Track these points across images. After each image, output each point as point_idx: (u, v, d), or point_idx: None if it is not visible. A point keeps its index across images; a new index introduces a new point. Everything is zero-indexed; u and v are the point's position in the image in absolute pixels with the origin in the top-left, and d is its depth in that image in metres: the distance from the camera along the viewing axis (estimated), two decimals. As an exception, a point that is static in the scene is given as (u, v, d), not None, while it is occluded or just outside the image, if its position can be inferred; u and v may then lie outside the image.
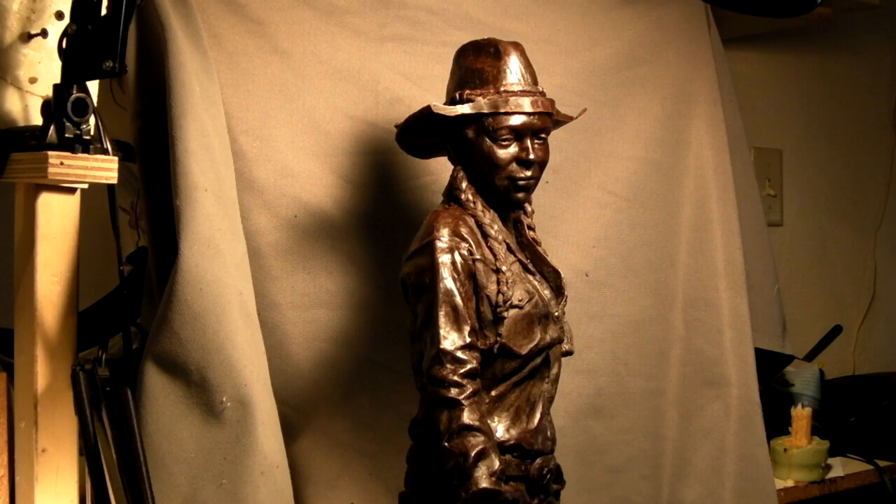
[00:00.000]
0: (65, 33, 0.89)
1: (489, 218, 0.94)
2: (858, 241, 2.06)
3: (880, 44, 2.10)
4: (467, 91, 0.94)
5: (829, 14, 1.74)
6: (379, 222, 1.11)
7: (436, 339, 0.87)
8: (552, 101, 0.96)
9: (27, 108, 0.95)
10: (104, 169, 0.89)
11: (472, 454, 0.84)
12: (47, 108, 0.88)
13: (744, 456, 1.43)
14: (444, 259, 0.89)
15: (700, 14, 1.53)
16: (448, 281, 0.88)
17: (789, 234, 1.97)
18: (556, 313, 0.97)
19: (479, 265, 0.90)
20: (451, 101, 0.95)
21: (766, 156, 1.94)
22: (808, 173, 2.00)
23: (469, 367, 0.86)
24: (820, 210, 2.02)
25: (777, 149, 1.96)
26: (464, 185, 0.95)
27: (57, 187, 0.90)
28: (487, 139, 0.92)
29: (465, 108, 0.92)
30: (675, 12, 1.49)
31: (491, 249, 0.92)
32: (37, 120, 0.92)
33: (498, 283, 0.91)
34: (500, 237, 0.94)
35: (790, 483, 1.59)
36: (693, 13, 1.52)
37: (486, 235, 0.93)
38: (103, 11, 0.87)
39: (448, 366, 0.86)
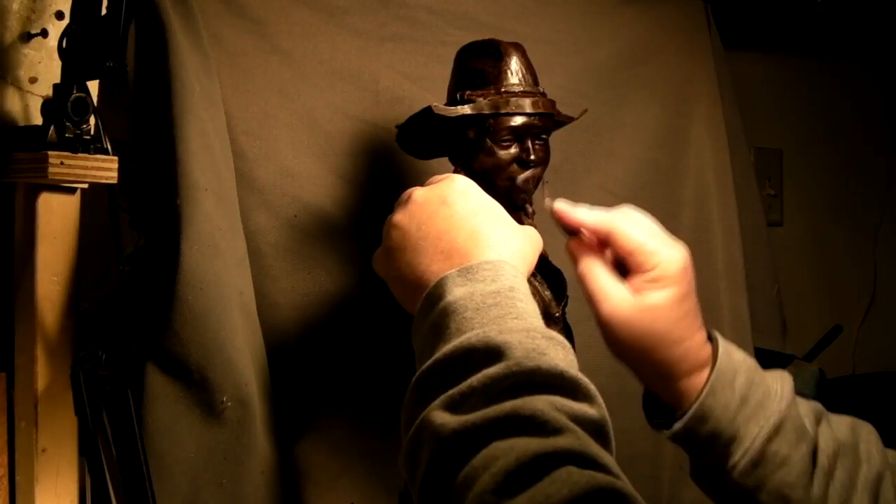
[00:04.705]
0: (65, 33, 0.89)
1: (490, 218, 0.94)
2: (858, 241, 2.06)
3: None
4: (468, 91, 0.94)
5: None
6: (380, 222, 1.11)
7: (436, 338, 0.87)
8: (553, 102, 0.96)
9: (27, 108, 0.95)
10: (104, 169, 0.89)
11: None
12: (47, 108, 0.88)
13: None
14: (444, 259, 0.88)
15: (700, 14, 1.53)
16: (449, 281, 0.88)
17: (789, 234, 1.97)
18: (557, 314, 0.97)
19: (480, 265, 0.90)
20: (452, 101, 0.95)
21: (766, 156, 1.93)
22: (808, 173, 2.00)
23: (469, 367, 0.86)
24: (820, 210, 2.02)
25: (777, 149, 1.96)
26: (464, 185, 0.95)
27: (57, 187, 0.90)
28: (488, 140, 0.92)
29: (465, 109, 0.92)
30: (675, 13, 1.49)
31: (491, 249, 0.92)
32: (37, 120, 0.92)
33: (498, 283, 0.91)
34: (501, 237, 0.93)
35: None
36: (693, 13, 1.52)
37: (487, 236, 0.93)
38: (103, 11, 0.87)
39: (449, 366, 0.86)
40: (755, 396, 0.81)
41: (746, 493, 0.81)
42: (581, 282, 0.83)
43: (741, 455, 0.79)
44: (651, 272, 0.80)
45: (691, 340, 0.81)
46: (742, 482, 0.80)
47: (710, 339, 0.85)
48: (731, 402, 0.80)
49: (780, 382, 0.83)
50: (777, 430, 0.80)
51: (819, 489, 0.80)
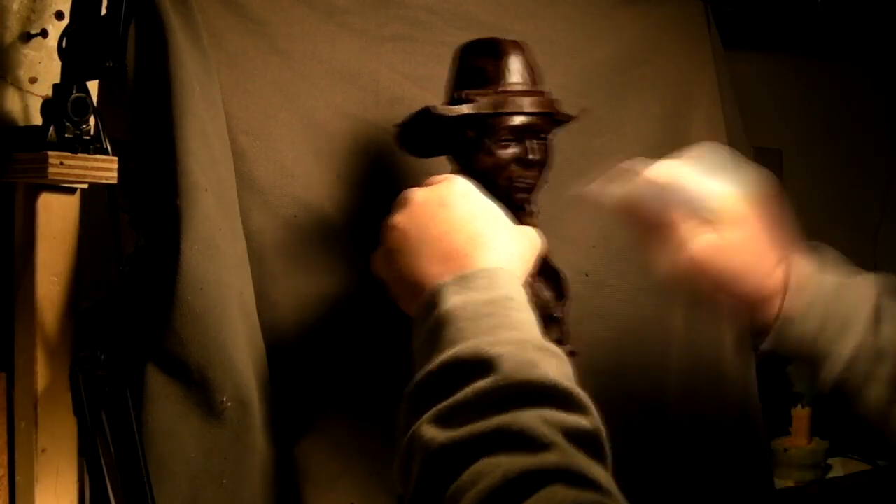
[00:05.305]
0: (65, 33, 0.89)
1: (490, 218, 0.94)
2: (858, 241, 2.06)
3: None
4: (468, 91, 0.93)
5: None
6: (379, 223, 1.12)
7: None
8: (553, 101, 0.96)
9: (27, 108, 0.95)
10: (104, 169, 0.89)
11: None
12: (47, 108, 0.88)
13: (743, 455, 1.43)
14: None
15: (700, 14, 1.53)
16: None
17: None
18: (558, 314, 0.97)
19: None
20: (452, 100, 0.95)
21: (766, 156, 1.93)
22: (808, 173, 2.00)
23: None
24: (820, 210, 2.02)
25: (777, 149, 1.96)
26: (464, 185, 0.94)
27: (57, 187, 0.90)
28: (488, 139, 0.92)
29: (465, 109, 0.92)
30: (675, 12, 1.49)
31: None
32: (37, 120, 0.92)
33: (498, 283, 0.90)
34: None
35: (790, 483, 1.59)
36: (693, 13, 1.52)
37: (487, 236, 0.92)
38: (103, 11, 0.87)
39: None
40: (835, 321, 0.85)
41: (840, 405, 0.87)
42: (660, 233, 0.88)
43: (826, 374, 0.85)
44: (722, 215, 0.85)
45: (762, 273, 0.87)
46: (833, 394, 0.86)
47: (795, 257, 0.89)
48: (809, 329, 0.85)
49: (865, 300, 0.87)
50: (856, 355, 0.84)
51: None
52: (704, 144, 0.89)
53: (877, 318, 0.85)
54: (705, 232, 0.85)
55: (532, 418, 0.59)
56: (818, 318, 0.85)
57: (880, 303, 0.86)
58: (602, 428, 0.62)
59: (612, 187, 0.88)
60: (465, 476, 0.57)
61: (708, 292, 0.88)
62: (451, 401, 0.62)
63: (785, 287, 0.86)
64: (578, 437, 0.59)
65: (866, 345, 0.84)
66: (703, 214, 0.85)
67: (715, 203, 0.85)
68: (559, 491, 0.54)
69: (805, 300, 0.85)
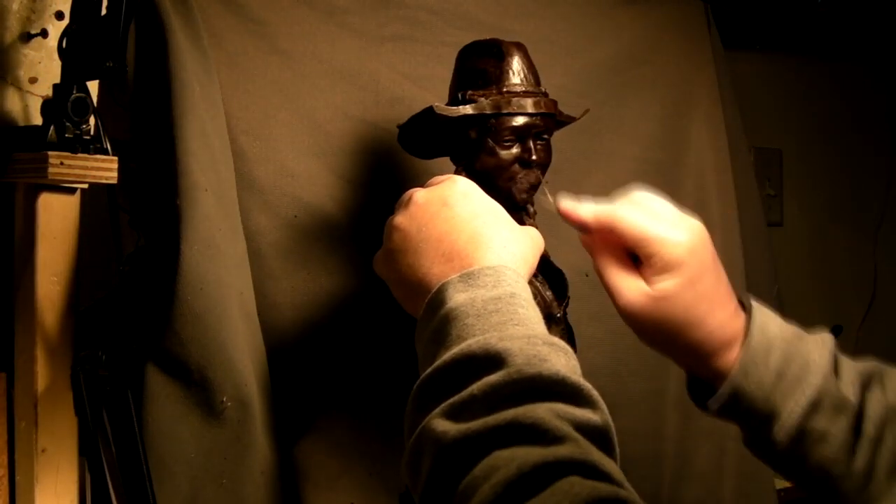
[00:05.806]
0: (65, 33, 0.89)
1: (490, 218, 0.93)
2: (858, 241, 2.06)
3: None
4: (470, 91, 0.93)
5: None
6: (380, 223, 1.12)
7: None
8: (555, 102, 0.96)
9: (27, 108, 0.95)
10: (104, 169, 0.89)
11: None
12: (47, 108, 0.88)
13: (744, 456, 1.42)
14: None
15: (700, 14, 1.53)
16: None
17: (789, 234, 1.97)
18: (558, 314, 0.97)
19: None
20: (454, 101, 0.95)
21: (766, 156, 1.94)
22: (808, 173, 2.00)
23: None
24: (820, 210, 2.02)
25: (777, 149, 1.96)
26: (465, 185, 0.94)
27: (57, 187, 0.90)
28: (490, 140, 0.92)
29: (467, 109, 0.92)
30: (675, 12, 1.49)
31: (492, 249, 0.92)
32: (37, 120, 0.92)
33: (499, 283, 0.90)
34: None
35: (790, 483, 1.58)
36: (693, 13, 1.52)
37: (487, 236, 0.92)
38: (103, 11, 0.87)
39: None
40: (791, 372, 0.80)
41: (791, 465, 0.81)
42: (599, 277, 0.84)
43: (778, 431, 0.80)
44: (657, 262, 0.80)
45: (714, 320, 0.81)
46: (785, 455, 0.80)
47: (746, 308, 0.83)
48: (765, 379, 0.80)
49: (819, 351, 0.81)
50: (814, 406, 0.79)
51: (863, 460, 0.78)
52: (636, 188, 0.84)
53: (835, 368, 0.81)
54: (663, 276, 0.79)
55: (544, 411, 0.59)
56: (778, 362, 0.80)
57: (837, 354, 0.82)
58: (611, 423, 0.62)
59: (583, 207, 0.83)
60: (479, 470, 0.56)
61: (664, 337, 0.81)
62: (462, 395, 0.62)
63: (746, 331, 0.81)
64: (589, 432, 0.59)
65: (828, 393, 0.79)
66: (656, 257, 0.78)
67: (665, 247, 0.79)
68: (575, 482, 0.54)
69: (766, 344, 0.80)
